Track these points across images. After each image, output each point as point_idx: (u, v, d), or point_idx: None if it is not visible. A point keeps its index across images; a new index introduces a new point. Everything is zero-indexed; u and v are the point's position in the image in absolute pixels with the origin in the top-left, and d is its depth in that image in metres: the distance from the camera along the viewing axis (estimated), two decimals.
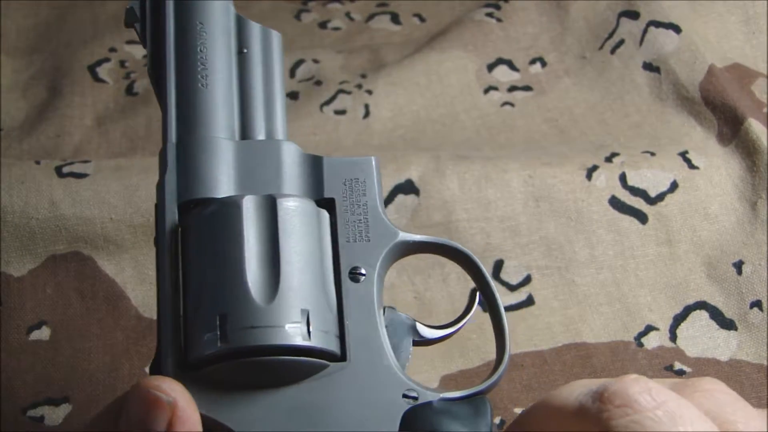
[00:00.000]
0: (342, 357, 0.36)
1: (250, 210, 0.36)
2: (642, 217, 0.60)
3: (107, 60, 0.73)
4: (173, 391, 0.33)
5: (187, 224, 0.37)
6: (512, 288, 0.58)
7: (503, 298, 0.57)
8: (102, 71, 0.72)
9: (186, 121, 0.40)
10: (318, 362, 0.35)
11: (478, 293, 0.40)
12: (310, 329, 0.35)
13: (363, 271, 0.38)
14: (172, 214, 0.37)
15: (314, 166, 0.40)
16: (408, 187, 0.60)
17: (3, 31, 0.77)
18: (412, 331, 0.38)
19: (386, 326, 0.37)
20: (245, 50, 0.42)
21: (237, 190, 0.38)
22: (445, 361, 0.55)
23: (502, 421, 0.52)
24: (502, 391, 0.53)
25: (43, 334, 0.55)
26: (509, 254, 0.58)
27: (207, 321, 0.34)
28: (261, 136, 0.41)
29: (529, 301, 0.57)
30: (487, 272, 0.40)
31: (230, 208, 0.36)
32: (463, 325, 0.40)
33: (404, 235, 0.39)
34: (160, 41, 0.41)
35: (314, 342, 0.34)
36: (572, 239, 0.59)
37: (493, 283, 0.40)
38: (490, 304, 0.40)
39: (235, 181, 0.39)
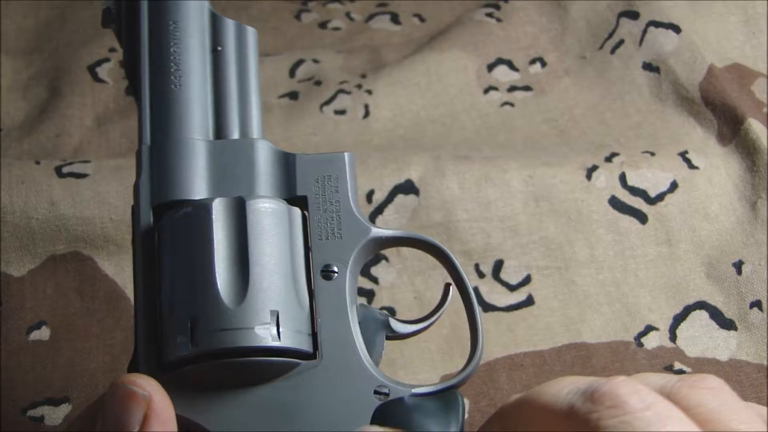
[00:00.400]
0: (314, 355, 0.36)
1: (219, 213, 0.36)
2: (642, 217, 0.60)
3: (107, 60, 0.73)
4: (149, 385, 0.34)
5: (161, 227, 0.37)
6: (512, 288, 0.58)
7: (503, 298, 0.57)
8: (102, 71, 0.72)
9: (160, 123, 0.40)
10: (289, 361, 0.35)
11: (451, 287, 0.40)
12: (280, 330, 0.35)
13: (335, 269, 0.38)
14: (147, 217, 0.38)
15: (287, 164, 0.40)
16: (408, 187, 0.60)
17: (3, 31, 0.77)
18: (385, 326, 0.39)
19: (360, 322, 0.37)
20: (219, 48, 0.42)
21: (210, 191, 0.38)
22: (445, 361, 0.55)
23: None
24: (502, 391, 0.53)
25: (43, 334, 0.55)
26: (509, 254, 0.58)
27: (179, 324, 0.35)
28: (235, 134, 0.41)
29: (529, 301, 0.57)
30: (460, 265, 0.40)
31: (200, 211, 0.37)
32: (435, 320, 0.40)
33: (376, 231, 0.39)
34: (133, 42, 0.42)
35: (284, 342, 0.35)
36: (572, 239, 0.59)
37: (466, 276, 0.40)
38: (463, 298, 0.40)
39: (208, 182, 0.39)
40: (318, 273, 0.38)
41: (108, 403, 0.34)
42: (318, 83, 0.71)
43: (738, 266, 0.58)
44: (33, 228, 0.57)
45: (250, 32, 0.43)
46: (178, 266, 0.36)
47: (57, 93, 0.71)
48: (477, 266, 0.58)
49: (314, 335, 0.36)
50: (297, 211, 0.38)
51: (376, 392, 0.36)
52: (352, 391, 0.35)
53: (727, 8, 0.72)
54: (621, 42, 0.70)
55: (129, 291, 0.57)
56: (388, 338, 0.39)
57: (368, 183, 0.59)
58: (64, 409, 0.52)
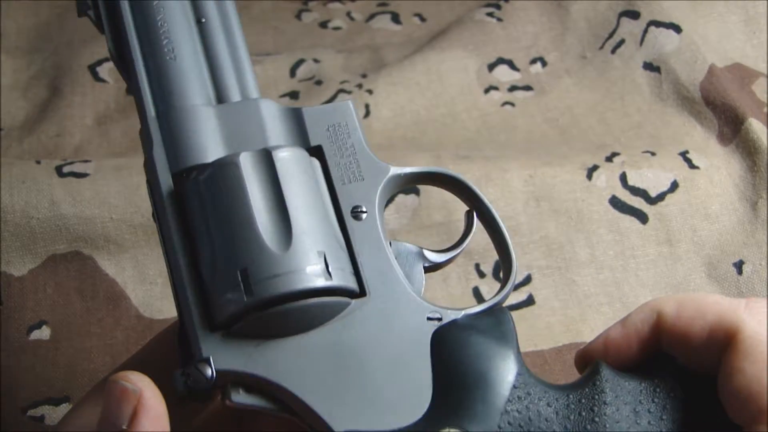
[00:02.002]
0: (362, 292, 0.36)
1: (248, 166, 0.37)
2: (642, 217, 0.59)
3: (107, 59, 0.73)
4: (140, 381, 0.34)
5: (186, 192, 0.37)
6: (513, 288, 0.58)
7: None
8: (102, 71, 0.72)
9: (162, 95, 0.40)
10: (342, 300, 0.35)
11: (474, 213, 0.41)
12: (329, 269, 0.35)
13: (364, 209, 0.38)
14: (167, 185, 0.37)
15: (296, 118, 0.40)
16: (408, 187, 0.60)
17: (4, 30, 0.77)
18: (421, 257, 0.39)
19: (396, 257, 0.38)
20: (203, 20, 0.42)
21: (226, 152, 0.38)
22: None
23: None
24: None
25: (44, 333, 0.55)
26: None
27: (227, 279, 0.35)
28: (237, 98, 0.41)
29: (530, 301, 0.57)
30: (482, 193, 0.41)
31: (229, 167, 0.36)
32: (465, 245, 0.40)
33: (395, 169, 0.40)
34: (118, 23, 0.41)
35: (335, 281, 0.35)
36: (573, 239, 0.59)
37: (489, 203, 0.41)
38: (488, 221, 0.40)
39: (222, 143, 0.39)
40: (348, 214, 0.38)
41: (105, 400, 0.34)
42: (318, 83, 0.71)
43: (738, 266, 0.58)
44: (33, 227, 0.57)
45: (229, 3, 0.43)
46: (216, 225, 0.36)
47: (57, 92, 0.71)
48: (477, 266, 0.58)
49: (357, 274, 0.37)
50: (315, 161, 0.39)
51: (429, 319, 0.36)
52: (406, 321, 0.36)
53: (727, 8, 0.72)
54: (622, 42, 0.70)
55: (129, 290, 0.57)
56: (425, 269, 0.39)
57: None
58: (65, 409, 0.52)
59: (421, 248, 0.39)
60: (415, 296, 0.37)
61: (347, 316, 0.35)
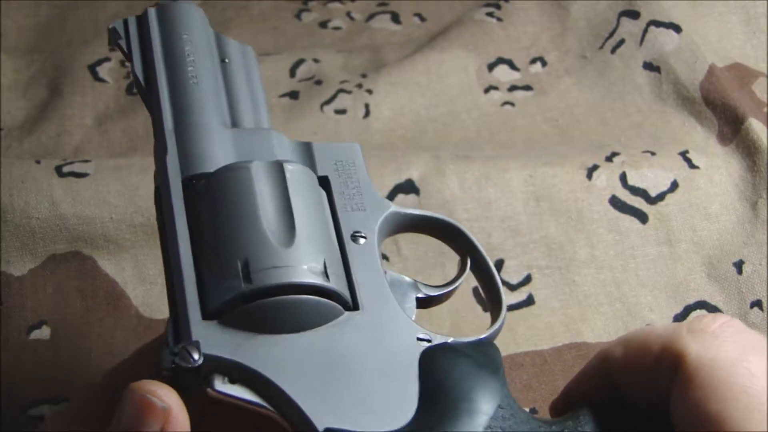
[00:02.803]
0: (355, 307, 0.37)
1: (259, 172, 0.38)
2: (642, 217, 0.59)
3: (107, 59, 0.73)
4: (168, 397, 0.33)
5: (195, 192, 0.38)
6: (513, 288, 0.58)
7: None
8: (102, 71, 0.72)
9: (180, 111, 0.41)
10: (335, 306, 0.36)
11: (468, 258, 0.41)
12: (328, 272, 0.36)
13: (363, 234, 0.39)
14: (177, 188, 0.38)
15: (305, 150, 0.42)
16: (408, 187, 0.60)
17: (3, 30, 0.77)
18: (414, 288, 0.40)
19: (390, 285, 0.38)
20: (226, 60, 0.45)
21: None
22: None
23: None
24: None
25: (44, 333, 0.55)
26: (510, 254, 0.58)
27: (227, 268, 0.35)
28: (250, 126, 0.43)
29: (530, 301, 0.57)
30: (479, 244, 0.41)
31: (240, 170, 0.38)
32: (460, 283, 0.41)
33: (396, 207, 0.41)
34: (148, 51, 0.43)
35: (333, 284, 0.36)
36: (573, 239, 0.59)
37: (485, 253, 0.41)
38: (482, 270, 0.41)
39: (234, 157, 0.40)
40: (348, 238, 0.39)
41: (124, 409, 0.33)
42: (318, 83, 0.71)
43: (738, 266, 0.58)
44: (33, 227, 0.57)
45: (250, 49, 0.46)
46: (221, 221, 0.37)
47: (57, 92, 0.71)
48: None
49: (352, 290, 0.37)
50: (321, 189, 0.40)
51: (419, 339, 0.36)
52: (397, 337, 0.36)
53: (727, 8, 0.72)
54: (622, 42, 0.70)
55: (129, 290, 0.57)
56: (418, 300, 0.40)
57: None
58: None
59: (416, 281, 0.40)
60: (407, 317, 0.37)
61: (339, 324, 0.36)
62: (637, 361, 0.34)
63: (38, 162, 0.61)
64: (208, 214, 0.37)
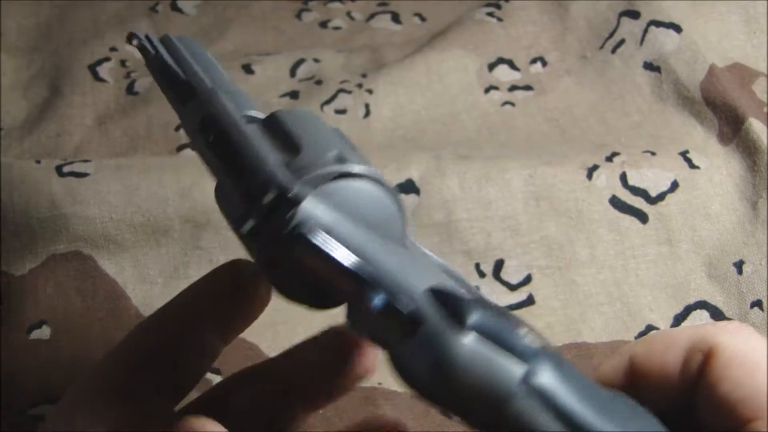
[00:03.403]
0: None
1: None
2: (642, 217, 0.60)
3: (108, 59, 0.73)
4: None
5: (265, 118, 0.37)
6: (512, 288, 0.58)
7: (504, 297, 0.57)
8: (102, 70, 0.72)
9: (219, 85, 0.40)
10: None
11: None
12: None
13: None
14: (241, 119, 0.37)
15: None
16: (408, 187, 0.60)
17: (4, 30, 0.77)
18: None
19: None
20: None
21: None
22: None
23: None
24: None
25: (44, 333, 0.55)
26: (510, 254, 0.58)
27: (323, 153, 0.34)
28: None
29: (530, 301, 0.57)
30: (461, 264, 0.42)
31: (302, 108, 0.38)
32: None
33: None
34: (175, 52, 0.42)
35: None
36: (573, 239, 0.59)
37: None
38: None
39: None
40: None
41: None
42: (318, 82, 0.71)
43: (739, 266, 0.58)
44: (33, 227, 0.57)
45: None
46: (304, 128, 0.36)
47: (58, 92, 0.71)
48: (477, 266, 0.58)
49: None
50: None
51: None
52: None
53: (728, 8, 0.72)
54: (622, 41, 0.70)
55: (129, 290, 0.57)
56: None
57: None
58: None
59: None
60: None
61: None
62: (663, 357, 0.34)
63: (38, 162, 0.61)
64: (290, 126, 0.36)
